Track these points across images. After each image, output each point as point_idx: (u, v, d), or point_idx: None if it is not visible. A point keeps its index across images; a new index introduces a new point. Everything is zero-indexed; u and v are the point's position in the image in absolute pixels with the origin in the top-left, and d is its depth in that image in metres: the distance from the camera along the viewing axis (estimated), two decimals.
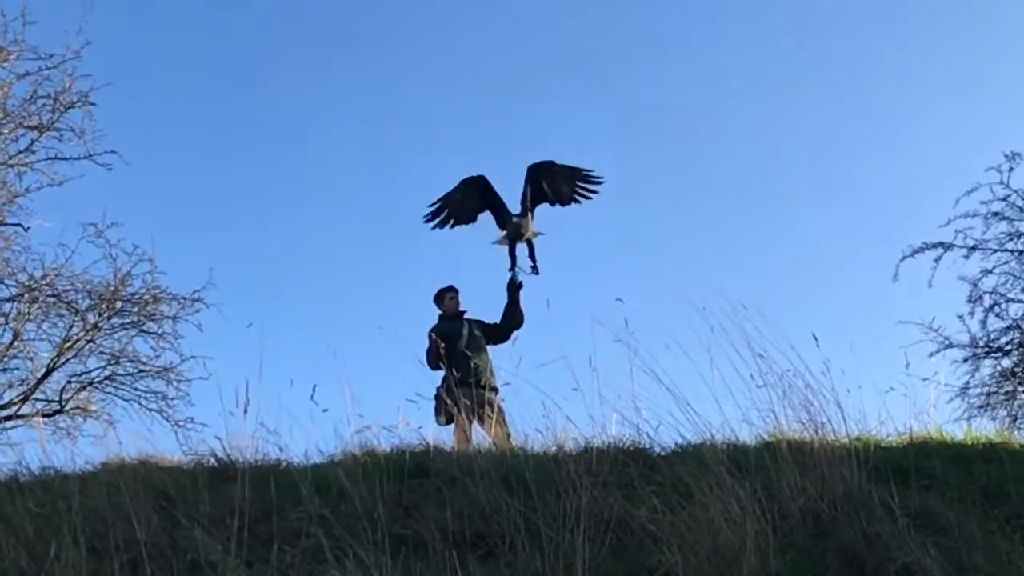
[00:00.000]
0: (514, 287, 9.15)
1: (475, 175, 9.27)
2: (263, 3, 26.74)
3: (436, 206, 9.41)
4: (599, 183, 9.50)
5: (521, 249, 9.37)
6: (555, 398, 6.72)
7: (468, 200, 9.42)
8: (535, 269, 9.40)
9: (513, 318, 9.07)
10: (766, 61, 26.90)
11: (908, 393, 7.07)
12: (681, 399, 6.49)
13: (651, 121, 26.52)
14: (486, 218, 9.47)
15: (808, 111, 27.09)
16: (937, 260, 12.52)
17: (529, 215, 9.33)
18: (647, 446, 6.68)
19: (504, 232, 9.36)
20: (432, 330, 8.93)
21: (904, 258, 12.60)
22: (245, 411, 6.68)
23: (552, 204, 9.49)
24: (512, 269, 9.36)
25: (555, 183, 9.45)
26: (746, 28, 26.95)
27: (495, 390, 8.61)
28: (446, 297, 9.15)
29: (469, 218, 9.50)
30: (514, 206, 9.29)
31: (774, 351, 6.51)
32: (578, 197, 9.49)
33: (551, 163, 9.39)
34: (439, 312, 9.16)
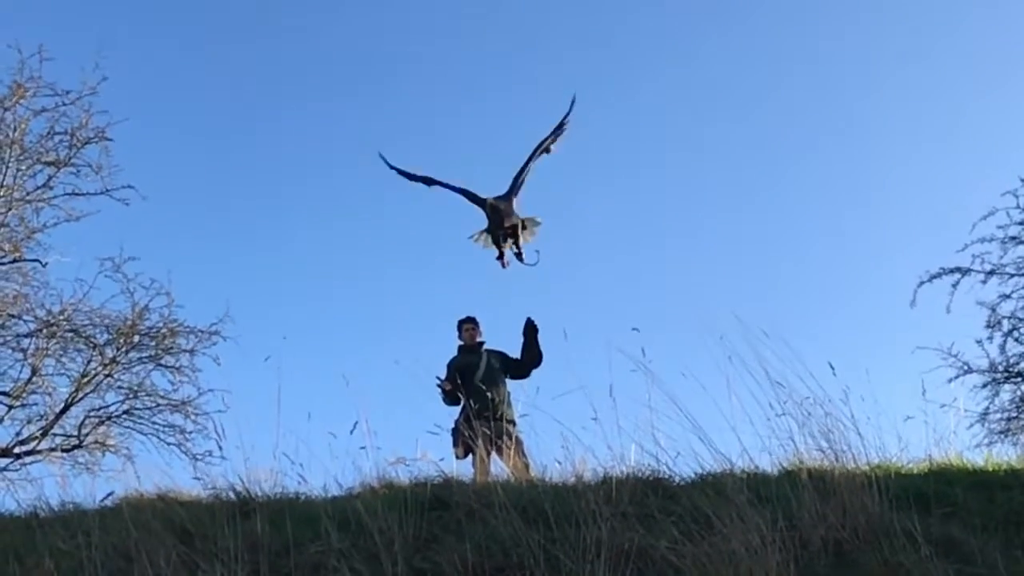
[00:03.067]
0: (530, 329, 9.03)
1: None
2: (277, 37, 26.98)
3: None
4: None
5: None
6: (573, 428, 6.72)
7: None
8: (519, 256, 9.40)
9: (532, 357, 8.99)
10: (778, 85, 26.96)
11: (928, 420, 7.04)
12: (700, 429, 6.48)
13: (665, 151, 26.56)
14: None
15: (824, 135, 27.13)
16: (955, 285, 12.49)
17: (514, 200, 9.38)
18: (666, 476, 6.66)
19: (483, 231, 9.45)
20: (450, 362, 8.95)
21: (921, 283, 12.59)
22: (220, 447, 6.73)
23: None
24: (499, 259, 9.40)
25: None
26: (750, 52, 27.02)
27: (512, 422, 8.57)
28: (463, 328, 9.13)
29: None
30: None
31: (793, 378, 6.49)
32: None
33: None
34: (459, 342, 9.16)
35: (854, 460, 6.39)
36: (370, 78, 27.52)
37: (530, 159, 9.62)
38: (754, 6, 27.54)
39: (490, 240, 9.45)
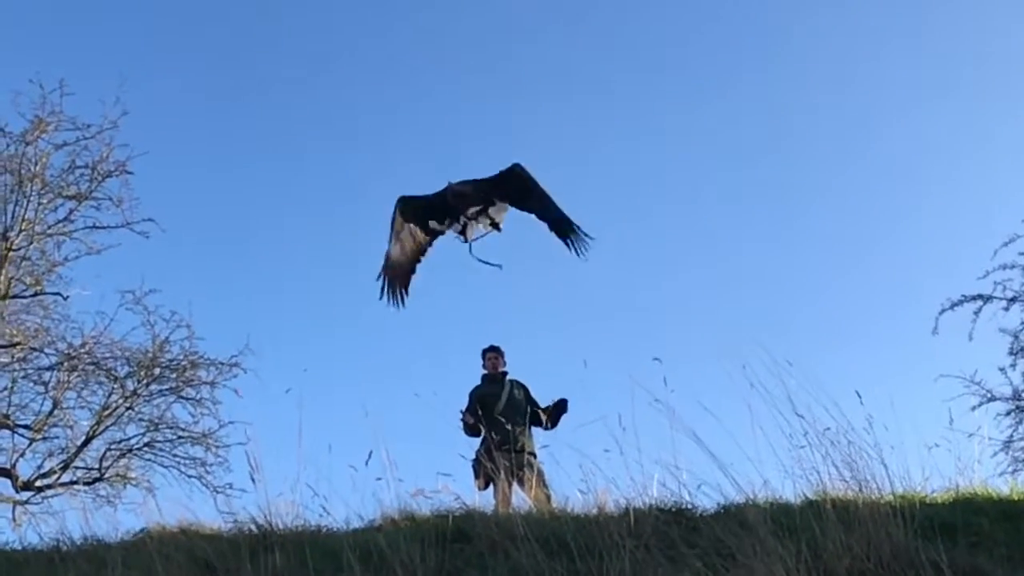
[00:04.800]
0: (559, 408, 8.93)
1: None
2: (298, 69, 27.15)
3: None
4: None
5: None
6: (595, 459, 6.68)
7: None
8: (460, 230, 9.18)
9: (547, 420, 8.91)
10: (801, 113, 26.98)
11: (952, 448, 6.97)
12: (720, 462, 6.43)
13: (683, 175, 26.57)
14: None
15: (844, 165, 27.08)
16: (977, 312, 12.36)
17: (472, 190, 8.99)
18: (689, 507, 6.61)
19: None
20: (472, 391, 8.94)
21: (943, 311, 12.45)
22: (253, 480, 6.76)
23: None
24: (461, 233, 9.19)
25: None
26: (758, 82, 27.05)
27: (533, 453, 8.54)
28: (487, 357, 9.12)
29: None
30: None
31: (817, 408, 6.44)
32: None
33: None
34: (483, 371, 9.14)
35: (879, 489, 6.33)
36: (393, 109, 27.62)
37: (532, 206, 8.88)
38: (785, 37, 27.58)
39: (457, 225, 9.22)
